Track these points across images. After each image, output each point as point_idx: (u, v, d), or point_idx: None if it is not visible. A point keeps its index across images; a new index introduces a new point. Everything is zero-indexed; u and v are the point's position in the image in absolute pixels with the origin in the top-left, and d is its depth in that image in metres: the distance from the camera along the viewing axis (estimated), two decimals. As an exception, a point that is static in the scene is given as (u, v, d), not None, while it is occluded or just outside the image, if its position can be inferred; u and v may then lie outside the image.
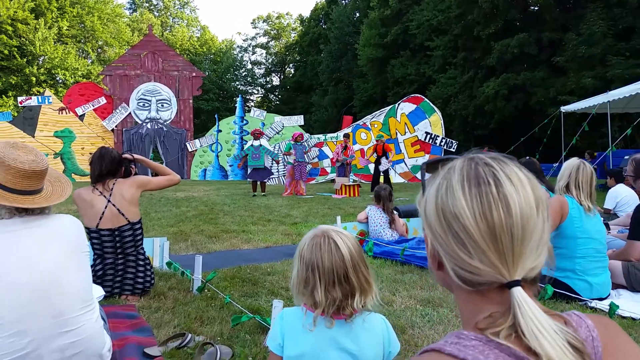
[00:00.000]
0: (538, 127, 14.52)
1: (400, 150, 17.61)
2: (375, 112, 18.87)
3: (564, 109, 14.43)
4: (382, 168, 13.10)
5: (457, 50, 26.96)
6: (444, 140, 17.69)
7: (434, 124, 17.84)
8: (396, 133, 17.90)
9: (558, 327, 0.72)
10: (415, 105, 18.04)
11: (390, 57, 31.88)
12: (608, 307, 3.15)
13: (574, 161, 3.67)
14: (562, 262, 3.56)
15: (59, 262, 1.89)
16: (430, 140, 17.62)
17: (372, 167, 17.44)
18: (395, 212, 5.63)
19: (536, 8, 24.71)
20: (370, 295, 1.62)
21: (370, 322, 1.64)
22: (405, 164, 17.69)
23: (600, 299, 3.48)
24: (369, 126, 18.16)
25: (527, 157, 5.26)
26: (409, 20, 29.79)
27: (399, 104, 18.36)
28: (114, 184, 3.63)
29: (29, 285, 1.79)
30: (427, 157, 17.67)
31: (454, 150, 18.30)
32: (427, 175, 0.89)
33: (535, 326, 0.71)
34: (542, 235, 0.76)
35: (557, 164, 13.67)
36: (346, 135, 13.65)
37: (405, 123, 18.00)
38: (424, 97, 18.67)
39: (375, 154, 13.41)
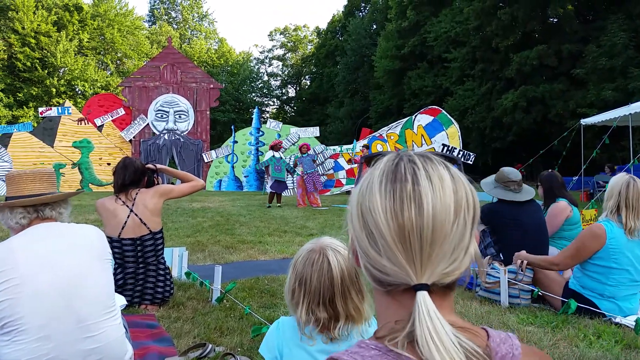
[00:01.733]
0: (557, 140, 14.30)
1: (417, 162, 17.52)
2: (392, 124, 18.80)
3: (584, 121, 14.22)
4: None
5: (475, 62, 26.85)
6: (461, 153, 17.53)
7: (451, 136, 17.70)
8: (413, 145, 17.80)
9: (458, 339, 0.69)
10: (432, 117, 17.93)
11: (407, 68, 31.87)
12: (634, 323, 3.01)
13: (622, 177, 3.38)
14: (590, 282, 3.43)
15: (81, 268, 1.92)
16: (448, 152, 17.48)
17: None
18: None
19: (555, 20, 24.53)
20: (359, 323, 1.54)
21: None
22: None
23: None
24: (385, 138, 18.10)
25: (549, 170, 5.16)
26: (427, 32, 29.79)
27: (415, 116, 18.27)
28: (136, 193, 3.64)
29: (53, 291, 1.81)
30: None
31: (471, 163, 18.15)
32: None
33: (430, 335, 0.67)
34: (462, 239, 0.73)
35: (577, 177, 13.43)
36: (365, 146, 13.43)
37: (422, 135, 17.89)
38: (441, 109, 18.56)
39: None
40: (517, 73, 23.02)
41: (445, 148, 17.48)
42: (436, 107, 19.14)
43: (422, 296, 0.70)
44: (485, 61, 26.05)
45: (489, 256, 4.08)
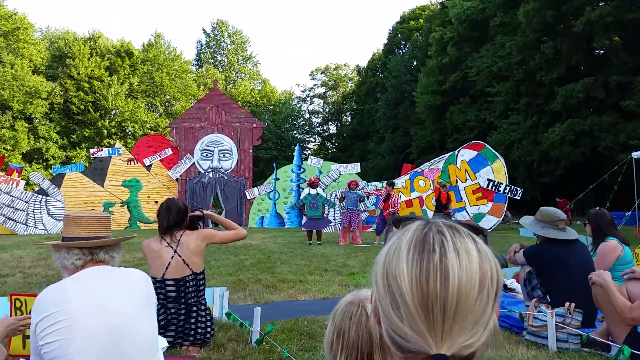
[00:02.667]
0: (608, 173, 13.80)
1: (462, 198, 17.15)
2: (434, 159, 18.61)
3: (635, 154, 13.69)
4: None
5: (519, 95, 26.49)
6: (508, 188, 17.10)
7: (496, 170, 17.32)
8: (456, 180, 17.51)
9: None
10: (476, 152, 17.64)
11: (449, 103, 31.75)
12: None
13: None
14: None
15: (130, 311, 1.97)
16: (494, 187, 17.09)
17: (430, 214, 17.10)
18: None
19: (602, 52, 24.05)
20: None
21: None
22: (467, 212, 17.17)
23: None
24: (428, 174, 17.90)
25: (597, 208, 4.98)
26: (468, 67, 29.73)
27: (459, 151, 18.03)
28: (181, 235, 3.74)
29: (103, 334, 1.86)
30: (490, 205, 17.10)
31: (518, 198, 17.67)
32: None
33: None
34: (484, 314, 0.73)
35: (630, 212, 12.85)
36: (390, 184, 12.71)
37: (466, 170, 17.59)
38: (485, 144, 18.25)
39: (435, 201, 13.15)
40: (563, 106, 22.53)
41: (491, 183, 17.11)
42: (480, 141, 18.84)
43: None
44: (530, 95, 25.67)
45: (535, 299, 3.93)
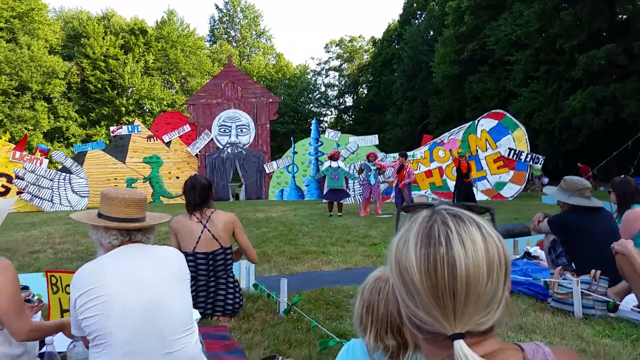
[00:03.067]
0: (631, 140, 13.53)
1: (482, 167, 17.03)
2: (453, 130, 18.44)
3: (661, 120, 13.38)
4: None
5: (538, 63, 25.89)
6: (529, 156, 16.91)
7: (517, 139, 17.11)
8: (477, 150, 17.37)
9: None
10: (496, 121, 17.42)
11: (468, 73, 31.21)
12: None
13: None
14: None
15: (165, 287, 2.03)
16: (515, 156, 16.92)
17: (451, 184, 17.03)
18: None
19: (624, 17, 23.29)
20: None
21: None
22: (488, 181, 17.08)
23: None
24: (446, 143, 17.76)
25: (622, 176, 4.91)
26: (486, 36, 29.09)
27: (478, 120, 17.82)
28: (212, 212, 3.85)
29: (138, 309, 1.92)
30: (512, 174, 16.95)
31: (540, 166, 17.46)
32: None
33: None
34: (495, 294, 0.79)
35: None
36: (403, 155, 12.44)
37: (487, 139, 17.42)
38: (505, 113, 18.00)
39: (455, 171, 13.09)
40: (584, 73, 21.99)
41: (513, 152, 16.94)
42: (500, 110, 18.58)
43: (459, 344, 0.77)
44: (550, 62, 25.08)
45: (560, 266, 3.94)
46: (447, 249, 0.78)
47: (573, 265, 4.06)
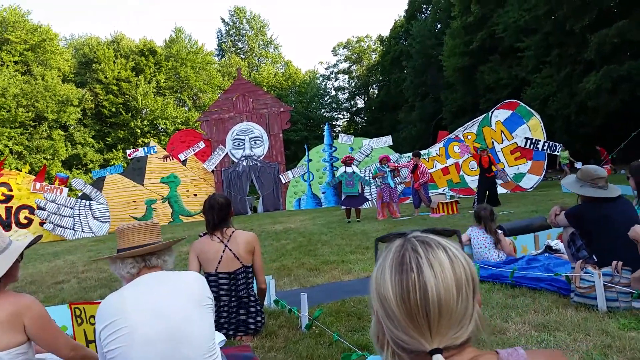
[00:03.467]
0: (651, 119, 13.26)
1: (499, 160, 16.82)
2: (467, 123, 18.28)
3: (679, 95, 13.08)
4: (500, 181, 12.93)
5: (549, 48, 25.56)
6: (546, 144, 16.66)
7: (533, 128, 16.89)
8: (492, 142, 17.18)
9: None
10: (510, 111, 17.22)
11: (478, 63, 30.94)
12: None
13: None
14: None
15: (185, 314, 2.05)
16: (532, 145, 16.70)
17: (469, 180, 16.86)
18: (499, 231, 5.35)
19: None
20: None
21: None
22: (507, 174, 16.88)
23: None
24: (462, 138, 17.61)
25: (639, 161, 4.81)
26: (494, 24, 28.82)
27: (492, 112, 17.64)
28: (233, 232, 3.89)
29: (162, 337, 1.96)
30: (529, 164, 16.73)
31: (559, 154, 17.17)
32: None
33: None
34: (466, 311, 0.88)
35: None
36: (416, 154, 12.52)
37: (502, 131, 17.23)
38: (519, 102, 17.78)
39: (478, 167, 12.96)
40: (596, 54, 21.65)
41: (529, 141, 16.72)
42: (513, 100, 18.37)
43: (437, 358, 0.85)
44: (561, 46, 24.76)
45: (581, 260, 3.88)
46: (418, 275, 0.87)
47: (594, 257, 3.99)
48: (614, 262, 3.60)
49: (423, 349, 0.86)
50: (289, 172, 19.94)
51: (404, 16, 46.76)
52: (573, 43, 23.82)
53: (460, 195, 16.09)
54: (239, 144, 20.15)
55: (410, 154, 17.84)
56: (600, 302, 3.50)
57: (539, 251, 5.56)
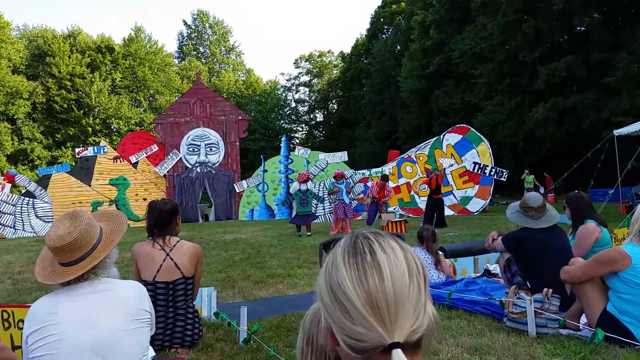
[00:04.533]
0: (591, 152, 13.96)
1: (449, 182, 17.30)
2: (420, 145, 18.73)
3: (616, 132, 13.86)
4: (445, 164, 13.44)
5: (502, 76, 26.62)
6: (493, 170, 17.26)
7: (482, 153, 17.49)
8: (442, 165, 17.66)
9: None
10: (461, 136, 17.78)
11: (434, 87, 31.83)
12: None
13: None
14: (627, 306, 3.33)
15: (118, 326, 1.99)
16: (479, 170, 17.26)
17: (419, 200, 17.22)
18: (440, 252, 5.49)
19: (583, 28, 24.18)
20: None
21: None
22: (454, 196, 17.35)
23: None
24: (414, 159, 18.02)
25: (576, 191, 5.07)
26: (451, 50, 29.76)
27: (444, 135, 18.16)
28: (177, 242, 3.78)
29: (89, 349, 1.90)
30: (477, 188, 17.27)
31: (504, 180, 17.81)
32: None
33: None
34: (419, 300, 0.83)
35: (614, 188, 13.04)
36: (384, 178, 13.03)
37: (452, 154, 17.74)
38: (469, 127, 18.39)
39: (428, 188, 13.32)
40: (546, 85, 22.72)
41: (477, 166, 17.28)
42: (464, 125, 18.99)
43: (398, 354, 0.78)
44: (513, 75, 25.81)
45: (515, 285, 4.03)
46: (372, 255, 0.83)
47: (528, 284, 4.15)
48: (545, 290, 3.76)
49: (382, 342, 0.79)
50: (244, 181, 19.79)
51: (365, 35, 47.65)
52: (525, 73, 24.90)
53: (410, 215, 16.40)
54: (193, 150, 19.87)
55: (364, 171, 18.15)
56: (530, 328, 3.64)
57: (478, 274, 5.73)
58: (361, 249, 0.85)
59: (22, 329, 3.49)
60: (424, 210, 14.83)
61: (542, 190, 20.23)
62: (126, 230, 2.32)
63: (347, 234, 0.94)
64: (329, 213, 14.47)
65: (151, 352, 3.02)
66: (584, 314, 3.76)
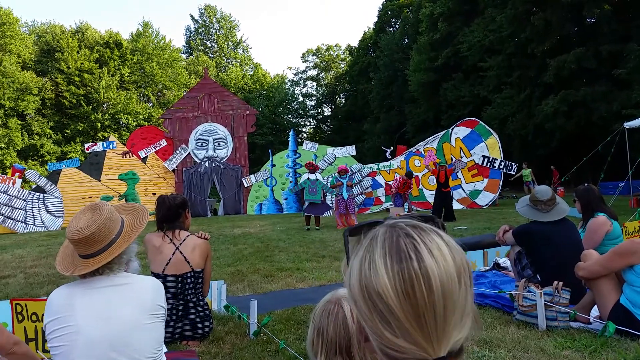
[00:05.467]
0: (601, 145, 13.84)
1: (457, 176, 17.22)
2: (428, 138, 18.64)
3: (627, 124, 13.72)
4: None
5: (511, 69, 26.43)
6: (502, 164, 17.16)
7: (491, 147, 17.37)
8: (451, 158, 17.58)
9: None
10: (470, 129, 17.67)
11: (442, 80, 31.65)
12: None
13: None
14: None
15: (132, 322, 2.01)
16: (488, 164, 17.16)
17: (427, 194, 17.18)
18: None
19: (593, 20, 23.93)
20: None
21: None
22: (463, 190, 17.27)
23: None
24: (423, 153, 17.96)
25: (586, 184, 5.04)
26: (460, 43, 29.57)
27: (452, 129, 18.06)
28: (187, 236, 3.81)
29: (104, 342, 1.92)
30: (485, 182, 17.18)
31: (513, 173, 17.71)
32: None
33: None
34: (466, 305, 0.74)
35: (624, 182, 12.94)
36: (409, 175, 14.23)
37: (461, 147, 17.64)
38: (478, 120, 18.27)
39: (436, 181, 13.30)
40: (555, 78, 22.52)
41: (486, 160, 17.18)
42: (474, 118, 18.86)
43: None
44: (522, 68, 25.62)
45: (525, 279, 4.02)
46: (420, 262, 0.71)
47: (538, 277, 4.14)
48: (555, 283, 3.75)
49: (425, 357, 0.71)
50: (252, 175, 19.83)
51: (373, 28, 47.41)
52: (534, 66, 24.70)
53: (418, 209, 16.36)
54: (202, 145, 19.93)
55: (372, 165, 18.20)
56: (540, 321, 3.63)
57: (487, 268, 5.72)
58: (406, 252, 0.72)
59: (35, 322, 3.55)
60: (432, 204, 14.83)
61: (534, 185, 20.00)
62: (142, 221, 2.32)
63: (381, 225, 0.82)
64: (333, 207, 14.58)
65: (164, 348, 3.06)
66: (594, 307, 3.75)
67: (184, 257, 3.73)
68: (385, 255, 0.73)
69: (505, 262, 5.59)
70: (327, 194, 13.51)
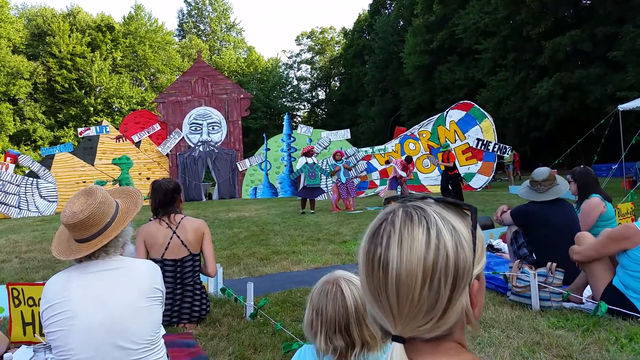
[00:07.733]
0: (595, 127, 13.88)
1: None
2: (423, 122, 18.63)
3: (621, 107, 13.75)
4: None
5: (506, 51, 26.35)
6: (496, 146, 17.20)
7: (485, 129, 17.40)
8: (446, 140, 17.59)
9: None
10: (464, 112, 17.67)
11: (437, 63, 31.53)
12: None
13: None
14: (635, 283, 3.33)
15: (130, 306, 2.00)
16: (483, 146, 17.20)
17: (422, 177, 17.22)
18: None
19: (588, 2, 23.83)
20: (375, 350, 1.58)
21: None
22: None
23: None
24: (417, 136, 17.95)
25: (582, 166, 5.07)
26: (455, 25, 29.41)
27: (447, 112, 18.05)
28: (182, 218, 3.82)
29: (101, 326, 1.92)
30: (480, 165, 17.23)
31: (507, 156, 17.75)
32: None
33: None
34: (437, 302, 0.73)
35: (617, 164, 13.01)
36: (408, 160, 13.78)
37: (455, 131, 17.65)
38: (473, 103, 18.26)
39: (442, 164, 13.31)
40: (550, 60, 22.48)
41: (480, 142, 17.21)
42: (468, 101, 18.84)
43: (395, 347, 0.75)
44: (517, 50, 25.55)
45: (518, 260, 4.06)
46: (385, 250, 0.75)
47: (534, 256, 4.19)
48: (549, 264, 3.79)
49: (389, 330, 0.77)
50: (247, 160, 19.79)
51: (368, 10, 47.05)
52: (529, 48, 24.63)
53: (412, 192, 16.41)
54: (196, 129, 19.83)
55: (367, 149, 18.16)
56: (534, 302, 3.68)
57: (481, 250, 5.75)
58: (380, 237, 0.77)
59: (32, 306, 3.55)
60: (426, 187, 14.88)
61: (511, 169, 19.95)
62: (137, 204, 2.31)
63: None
64: (331, 192, 14.54)
65: (162, 331, 3.07)
66: (587, 288, 3.80)
67: (181, 240, 3.75)
68: (367, 234, 0.81)
69: (498, 244, 5.64)
70: (325, 177, 13.56)
